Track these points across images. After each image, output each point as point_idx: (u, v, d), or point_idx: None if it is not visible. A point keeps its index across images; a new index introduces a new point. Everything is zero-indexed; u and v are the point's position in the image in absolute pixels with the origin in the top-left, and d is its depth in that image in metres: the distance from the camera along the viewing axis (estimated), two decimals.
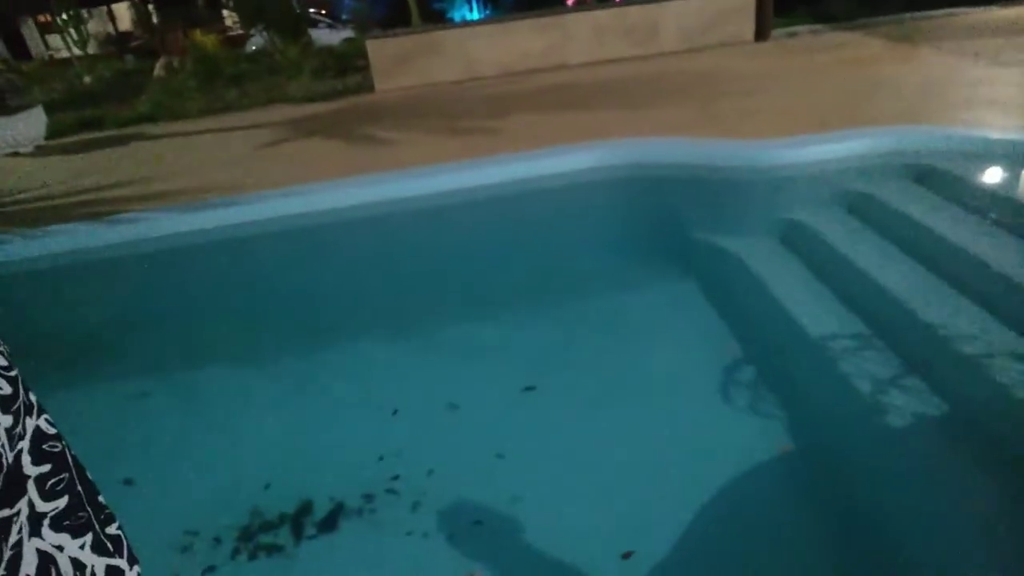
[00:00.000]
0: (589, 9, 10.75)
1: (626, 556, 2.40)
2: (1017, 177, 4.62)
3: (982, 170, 4.64)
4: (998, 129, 5.05)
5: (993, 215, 4.10)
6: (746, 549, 2.46)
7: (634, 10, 10.34)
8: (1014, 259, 3.44)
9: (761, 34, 10.01)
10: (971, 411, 2.75)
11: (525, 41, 10.34)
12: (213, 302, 4.80)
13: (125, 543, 0.70)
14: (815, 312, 3.48)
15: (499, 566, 2.49)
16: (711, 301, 4.07)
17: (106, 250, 5.05)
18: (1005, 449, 2.53)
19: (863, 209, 4.37)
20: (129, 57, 18.16)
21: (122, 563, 0.68)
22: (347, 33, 16.82)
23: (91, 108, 10.73)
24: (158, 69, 13.23)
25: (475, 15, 19.22)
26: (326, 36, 16.37)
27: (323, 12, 21.38)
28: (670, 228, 4.89)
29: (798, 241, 4.25)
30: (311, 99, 10.16)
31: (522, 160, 5.46)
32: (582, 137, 5.78)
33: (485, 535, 2.64)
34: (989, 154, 4.75)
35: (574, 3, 13.28)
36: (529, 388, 3.44)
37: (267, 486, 2.95)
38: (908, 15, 10.37)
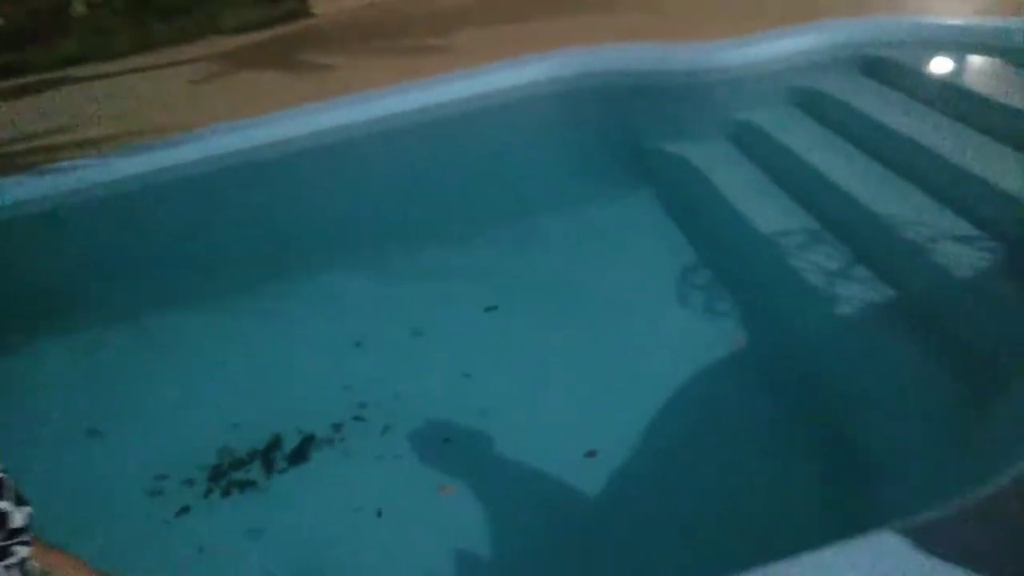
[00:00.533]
0: None
1: (590, 454, 2.48)
2: (965, 63, 4.61)
3: (932, 58, 4.61)
4: (950, 15, 5.01)
5: (941, 103, 4.11)
6: (705, 436, 2.56)
7: None
8: (959, 144, 3.48)
9: None
10: (917, 295, 2.83)
11: None
12: (164, 244, 4.69)
13: (10, 485, 0.69)
14: (766, 210, 3.51)
15: (470, 477, 2.56)
16: (665, 207, 4.07)
17: (47, 201, 4.86)
18: (949, 328, 2.62)
19: (812, 105, 4.35)
20: None
21: (7, 505, 0.67)
22: None
23: (9, 52, 10.07)
24: (77, 5, 12.38)
25: None
26: None
27: None
28: (622, 137, 4.84)
29: (749, 141, 4.24)
30: (246, 28, 9.66)
31: (469, 77, 5.31)
32: (531, 49, 5.61)
33: (455, 451, 2.70)
34: (940, 42, 4.71)
35: None
36: (491, 308, 3.45)
37: (235, 424, 2.96)
38: None
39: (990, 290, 2.68)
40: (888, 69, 4.48)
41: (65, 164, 5.09)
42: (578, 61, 5.27)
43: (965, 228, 2.99)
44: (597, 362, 2.97)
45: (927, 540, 1.44)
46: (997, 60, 4.36)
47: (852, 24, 4.96)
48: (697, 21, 5.78)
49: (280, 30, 9.34)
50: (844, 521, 1.74)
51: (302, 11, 10.03)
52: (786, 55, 4.85)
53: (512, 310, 3.42)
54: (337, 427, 2.88)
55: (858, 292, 2.90)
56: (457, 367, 3.10)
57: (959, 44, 4.63)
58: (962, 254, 2.86)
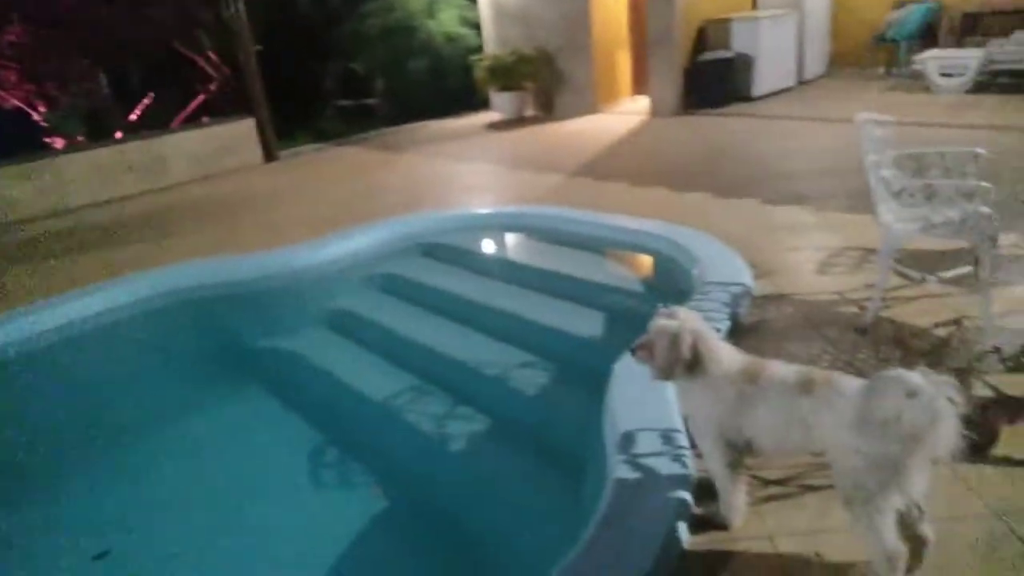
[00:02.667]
0: (82, 149, 9.98)
1: None
2: (502, 240, 5.90)
3: (473, 238, 5.80)
4: (480, 207, 6.39)
5: (488, 270, 5.18)
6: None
7: (134, 146, 9.97)
8: (512, 299, 4.44)
9: (269, 156, 10.65)
10: (512, 417, 3.43)
11: (9, 189, 9.05)
12: None
13: None
14: (374, 380, 3.87)
15: None
16: (284, 401, 4.14)
17: None
18: (544, 438, 3.24)
19: (392, 286, 5.05)
20: None
21: None
22: None
23: None
24: None
25: None
26: None
27: None
28: (225, 345, 4.85)
29: (347, 325, 4.67)
30: None
31: (56, 306, 4.80)
32: (110, 276, 5.34)
33: None
34: (474, 226, 5.96)
35: (64, 145, 12.18)
36: (100, 555, 2.99)
37: None
38: (388, 129, 12.27)
39: (556, 398, 3.42)
40: (444, 251, 5.48)
41: None
42: (162, 282, 5.18)
43: (526, 357, 3.78)
44: (259, 560, 2.82)
45: None
46: (518, 236, 5.72)
47: (409, 220, 5.95)
48: (272, 235, 6.25)
49: None
50: None
51: None
52: (363, 249, 5.54)
53: (148, 539, 3.05)
54: None
55: (465, 427, 3.38)
56: None
57: (492, 226, 5.93)
58: (529, 375, 3.62)
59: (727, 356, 2.04)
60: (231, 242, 6.17)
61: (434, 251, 5.53)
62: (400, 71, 13.80)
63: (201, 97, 15.00)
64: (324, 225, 6.07)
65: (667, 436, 2.48)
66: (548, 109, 11.80)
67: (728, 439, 2.05)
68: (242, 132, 10.62)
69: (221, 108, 13.72)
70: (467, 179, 7.84)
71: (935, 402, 1.59)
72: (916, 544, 1.88)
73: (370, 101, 14.44)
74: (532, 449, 3.21)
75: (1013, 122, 7.22)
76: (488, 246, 5.90)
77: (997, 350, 3.04)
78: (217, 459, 3.67)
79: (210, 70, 14.80)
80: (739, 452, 2.07)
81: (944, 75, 9.26)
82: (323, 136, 12.40)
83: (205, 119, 12.98)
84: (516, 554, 2.68)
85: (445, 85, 13.61)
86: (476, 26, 13.07)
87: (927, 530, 1.89)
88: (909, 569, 1.87)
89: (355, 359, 4.21)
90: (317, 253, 5.40)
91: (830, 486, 2.08)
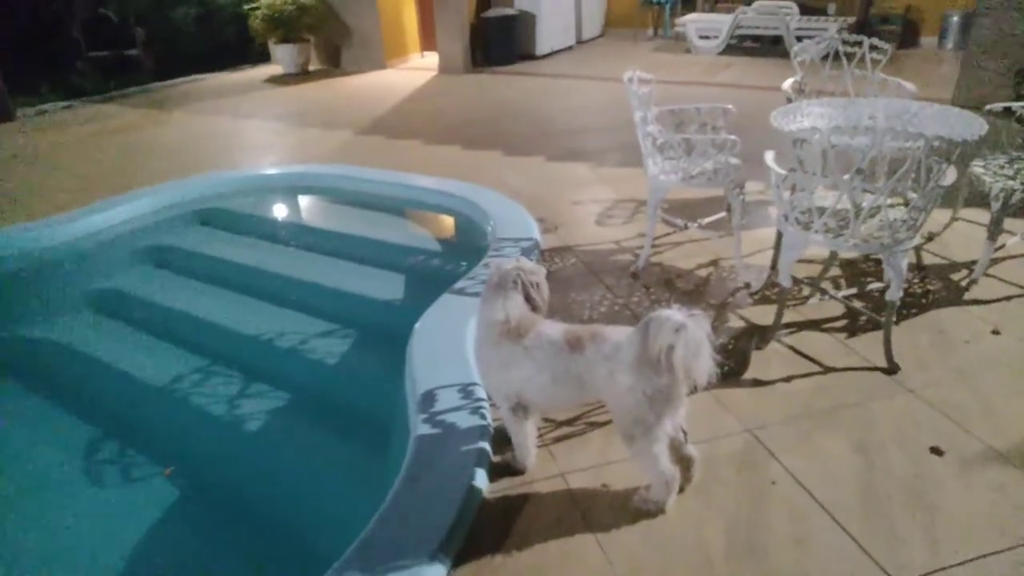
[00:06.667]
0: None
1: None
2: (289, 202, 5.58)
3: (257, 202, 5.44)
4: (257, 167, 5.97)
5: (276, 236, 4.89)
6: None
7: None
8: (304, 265, 4.25)
9: (4, 115, 9.12)
10: (312, 388, 3.31)
11: None
12: None
13: None
14: (155, 364, 3.53)
15: None
16: (49, 397, 3.65)
17: None
18: (347, 406, 3.17)
19: (167, 259, 4.60)
20: None
21: None
22: None
23: None
24: None
25: None
26: None
27: None
28: None
29: (117, 306, 4.19)
30: None
31: None
32: None
33: None
34: (257, 188, 5.58)
35: None
36: None
37: None
38: (155, 84, 11.02)
39: (358, 364, 3.36)
40: (225, 217, 5.09)
41: None
42: None
43: (323, 325, 3.66)
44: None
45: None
46: (307, 197, 5.45)
47: (183, 185, 5.41)
48: (15, 209, 5.41)
49: None
50: None
51: None
52: (129, 219, 4.96)
53: None
54: None
55: (260, 405, 3.21)
56: None
57: (273, 188, 5.59)
58: (327, 344, 3.51)
59: (492, 305, 2.12)
60: None
61: (213, 218, 5.10)
62: (163, 19, 12.38)
63: None
64: (77, 195, 5.35)
65: (466, 391, 2.54)
66: (334, 63, 11.30)
67: (503, 392, 2.15)
68: None
69: None
70: (247, 137, 7.30)
71: (697, 335, 1.78)
72: (685, 464, 2.12)
73: (131, 52, 12.82)
74: (336, 418, 3.13)
75: (756, 81, 8.15)
76: (274, 209, 5.57)
77: (747, 285, 3.46)
78: None
79: None
80: (519, 403, 2.17)
81: (703, 37, 10.21)
82: (76, 92, 10.81)
83: None
84: (325, 525, 2.62)
85: (218, 36, 12.47)
86: None
87: (692, 450, 2.14)
88: (681, 487, 2.11)
89: (129, 343, 3.80)
90: (72, 227, 4.75)
91: (611, 421, 2.27)
